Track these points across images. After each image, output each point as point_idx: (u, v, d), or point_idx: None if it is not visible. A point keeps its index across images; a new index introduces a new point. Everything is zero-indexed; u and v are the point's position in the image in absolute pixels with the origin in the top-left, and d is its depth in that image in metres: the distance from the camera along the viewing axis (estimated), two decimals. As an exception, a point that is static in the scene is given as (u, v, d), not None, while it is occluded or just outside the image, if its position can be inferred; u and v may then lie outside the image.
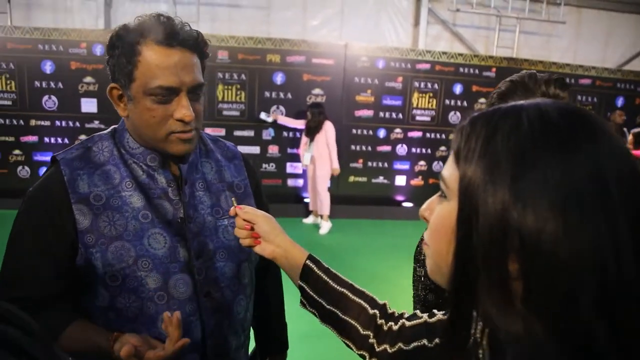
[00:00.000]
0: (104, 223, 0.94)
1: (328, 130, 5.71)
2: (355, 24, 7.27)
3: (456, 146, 0.51)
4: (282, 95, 6.41)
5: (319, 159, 5.75)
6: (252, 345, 1.27)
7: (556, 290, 0.43)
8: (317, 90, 6.45)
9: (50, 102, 6.08)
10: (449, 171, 0.53)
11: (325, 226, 5.89)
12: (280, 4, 7.10)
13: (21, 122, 6.09)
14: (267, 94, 6.37)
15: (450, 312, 0.53)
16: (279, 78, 6.37)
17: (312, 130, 5.73)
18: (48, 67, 5.99)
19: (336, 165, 5.78)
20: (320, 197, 5.87)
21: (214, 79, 6.20)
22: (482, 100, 6.57)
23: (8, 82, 5.97)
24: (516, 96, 1.00)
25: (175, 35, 0.91)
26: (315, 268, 0.89)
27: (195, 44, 0.94)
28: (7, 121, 6.07)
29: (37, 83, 6.00)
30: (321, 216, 5.95)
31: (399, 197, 6.89)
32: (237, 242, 1.04)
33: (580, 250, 0.43)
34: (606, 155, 0.45)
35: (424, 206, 0.60)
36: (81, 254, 0.93)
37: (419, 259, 1.08)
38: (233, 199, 0.98)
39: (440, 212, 0.54)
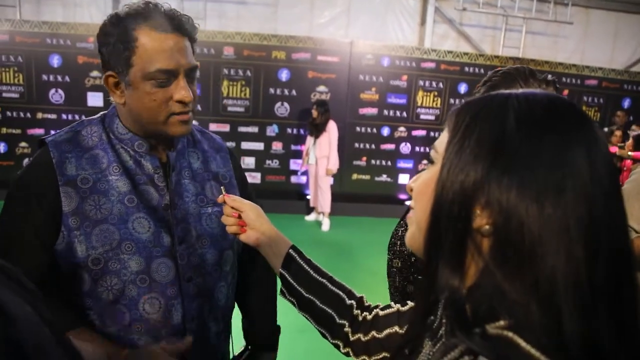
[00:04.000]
0: (90, 206, 0.95)
1: (331, 129, 5.75)
2: (361, 22, 7.27)
3: (452, 123, 0.54)
4: (286, 92, 6.42)
5: (321, 158, 5.77)
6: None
7: (523, 253, 0.46)
8: (321, 88, 6.46)
9: (57, 96, 6.14)
10: (440, 140, 0.56)
11: (327, 223, 5.91)
12: (288, 1, 7.12)
13: (28, 115, 6.16)
14: (272, 90, 6.39)
15: (423, 274, 0.55)
16: (284, 75, 6.39)
17: (317, 128, 5.75)
18: (55, 60, 6.05)
19: (332, 166, 5.79)
20: (322, 195, 5.90)
21: (220, 74, 6.23)
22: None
23: (16, 75, 6.04)
24: (514, 88, 1.01)
25: (169, 21, 0.94)
26: (297, 257, 0.91)
27: (186, 28, 0.97)
28: (15, 114, 6.14)
29: (44, 76, 6.07)
30: (322, 213, 5.98)
31: (402, 196, 6.89)
32: (220, 230, 1.06)
33: (550, 223, 0.46)
34: (594, 146, 0.48)
35: (411, 180, 0.62)
36: (63, 237, 0.94)
37: (394, 250, 1.08)
38: (222, 187, 0.99)
39: (427, 174, 0.58)
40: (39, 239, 0.94)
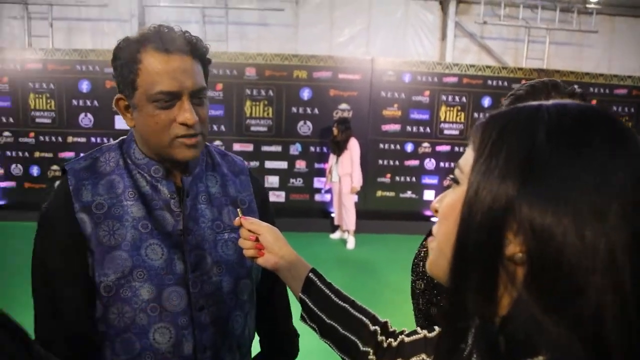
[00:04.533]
0: (104, 232, 0.94)
1: (353, 147, 5.74)
2: (381, 39, 7.31)
3: (477, 140, 0.50)
4: (309, 110, 6.47)
5: (344, 176, 5.77)
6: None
7: (562, 284, 0.42)
8: (343, 105, 6.48)
9: (86, 120, 6.34)
10: (465, 158, 0.52)
11: (352, 241, 5.87)
12: (308, 21, 7.21)
13: (59, 139, 6.37)
14: (294, 109, 6.45)
15: (449, 303, 0.51)
16: (305, 94, 6.44)
17: (339, 146, 5.76)
18: (85, 86, 6.26)
19: (356, 184, 5.77)
20: (347, 213, 5.87)
21: (242, 95, 6.33)
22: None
23: (48, 101, 6.28)
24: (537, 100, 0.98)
25: (173, 42, 0.92)
26: (317, 281, 0.88)
27: (194, 49, 0.95)
28: (47, 138, 6.37)
29: (74, 102, 6.28)
30: (347, 231, 5.94)
31: (428, 212, 6.79)
32: (236, 257, 1.03)
33: (592, 252, 0.41)
34: (634, 158, 0.44)
35: (436, 199, 0.58)
36: (88, 262, 0.93)
37: (417, 271, 1.05)
38: (238, 209, 0.96)
39: (451, 196, 0.53)
40: (70, 266, 0.93)
